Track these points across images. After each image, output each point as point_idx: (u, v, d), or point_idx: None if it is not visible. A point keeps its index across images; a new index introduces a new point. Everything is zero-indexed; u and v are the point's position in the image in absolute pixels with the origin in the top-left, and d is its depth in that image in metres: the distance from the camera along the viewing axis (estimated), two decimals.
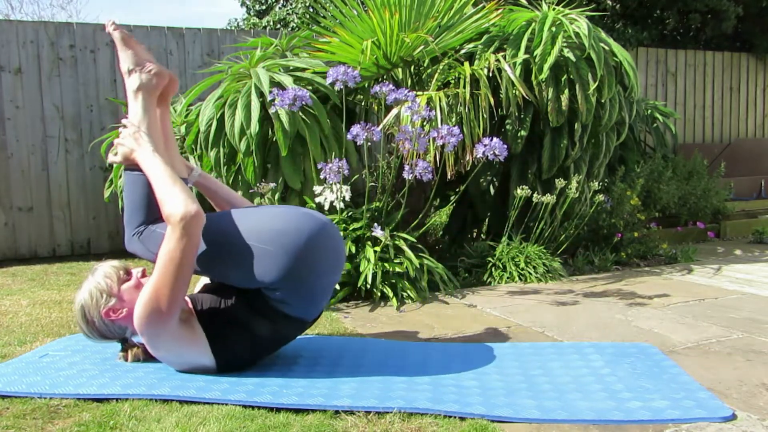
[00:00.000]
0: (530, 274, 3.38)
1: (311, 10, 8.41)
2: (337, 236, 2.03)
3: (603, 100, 3.53)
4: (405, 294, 2.97)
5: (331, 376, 1.91)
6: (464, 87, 3.31)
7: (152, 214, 2.00)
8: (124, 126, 2.04)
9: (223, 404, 1.71)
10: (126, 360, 2.06)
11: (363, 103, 3.81)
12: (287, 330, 1.97)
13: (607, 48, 3.60)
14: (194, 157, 3.78)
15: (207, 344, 1.88)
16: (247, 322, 1.91)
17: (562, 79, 3.49)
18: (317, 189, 3.17)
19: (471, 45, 3.71)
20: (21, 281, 3.85)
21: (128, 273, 1.99)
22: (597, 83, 3.44)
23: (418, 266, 3.02)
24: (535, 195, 3.47)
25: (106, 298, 1.92)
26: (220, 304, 1.92)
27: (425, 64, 3.78)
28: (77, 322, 1.96)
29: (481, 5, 3.70)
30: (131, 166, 2.02)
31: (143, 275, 2.00)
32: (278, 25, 9.87)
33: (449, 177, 3.38)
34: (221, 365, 1.91)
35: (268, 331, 1.93)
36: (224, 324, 1.90)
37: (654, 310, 2.74)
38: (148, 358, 2.03)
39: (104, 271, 1.97)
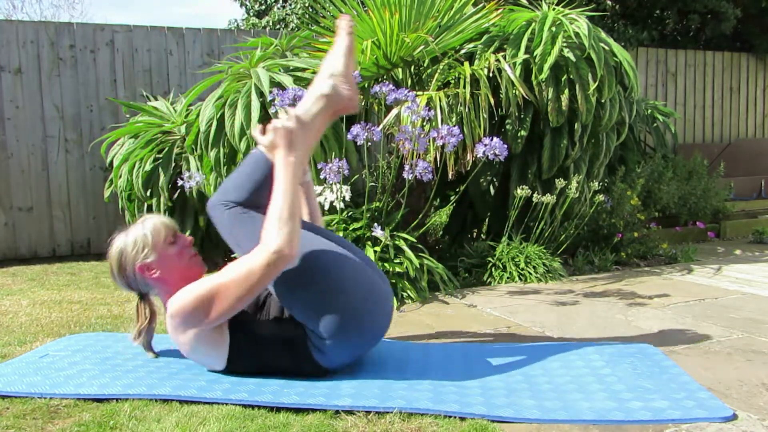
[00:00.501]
0: (530, 274, 3.38)
1: (311, 10, 8.41)
2: (391, 312, 1.98)
3: (603, 100, 3.53)
4: (405, 294, 2.97)
5: (331, 376, 1.91)
6: (464, 87, 3.31)
7: (257, 200, 1.89)
8: (286, 113, 1.90)
9: (223, 404, 1.71)
10: (137, 320, 2.00)
11: (363, 103, 3.81)
12: (304, 368, 1.88)
13: (607, 48, 3.60)
14: (194, 158, 3.78)
15: (227, 353, 1.85)
16: (274, 349, 1.86)
17: (562, 79, 3.49)
18: (317, 189, 3.17)
19: (471, 45, 3.71)
20: (21, 281, 3.85)
21: (175, 236, 1.93)
22: (597, 83, 3.44)
23: (418, 266, 3.02)
24: (535, 195, 3.47)
25: (147, 252, 1.88)
26: (259, 316, 1.87)
27: (425, 64, 3.77)
28: (109, 262, 1.92)
29: (481, 5, 3.70)
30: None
31: (189, 245, 1.95)
32: (278, 25, 9.87)
33: (449, 177, 3.38)
34: (226, 371, 1.90)
35: (287, 365, 1.88)
36: (252, 341, 1.86)
37: (654, 310, 2.74)
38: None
39: (154, 224, 1.91)
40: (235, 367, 1.89)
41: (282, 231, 1.73)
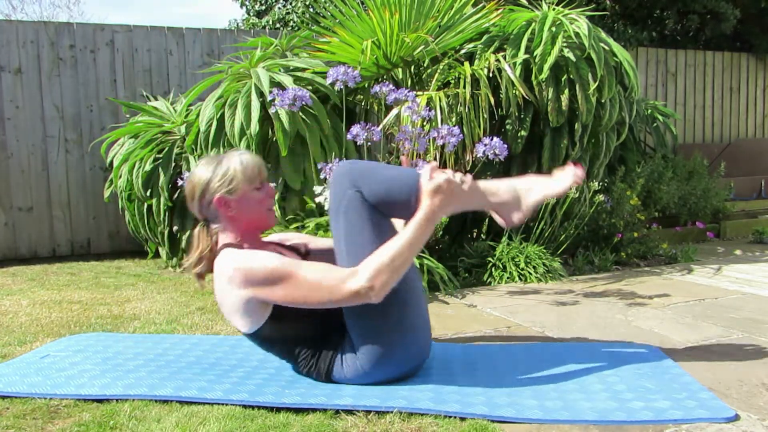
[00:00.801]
0: (530, 274, 3.38)
1: (311, 9, 8.41)
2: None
3: (603, 100, 3.53)
4: None
5: None
6: (464, 87, 3.31)
7: (388, 204, 1.78)
8: (464, 179, 1.80)
9: (223, 404, 1.71)
10: (196, 247, 1.89)
11: (363, 103, 3.81)
12: (317, 368, 1.85)
13: (607, 48, 3.60)
14: (194, 158, 3.78)
15: (259, 325, 1.78)
16: (304, 341, 1.83)
17: (562, 79, 3.49)
18: (317, 189, 3.17)
19: (471, 45, 3.71)
20: (21, 281, 3.85)
21: (262, 183, 1.87)
22: (597, 83, 3.44)
23: (417, 266, 3.02)
24: None
25: (232, 188, 1.81)
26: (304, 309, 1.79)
27: (425, 64, 3.78)
28: (191, 184, 1.84)
29: (481, 5, 3.70)
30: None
31: (272, 196, 1.88)
32: (278, 25, 9.87)
33: None
34: (248, 335, 1.84)
35: (302, 359, 1.84)
36: (289, 328, 1.80)
37: (654, 310, 2.74)
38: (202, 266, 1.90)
39: (248, 164, 1.83)
40: (256, 337, 1.84)
41: (385, 275, 1.67)
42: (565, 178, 1.88)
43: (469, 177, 1.82)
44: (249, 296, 1.74)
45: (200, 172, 1.84)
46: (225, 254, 1.80)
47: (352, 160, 1.85)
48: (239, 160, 1.83)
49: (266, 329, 1.80)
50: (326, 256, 1.98)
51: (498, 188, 1.85)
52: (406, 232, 1.72)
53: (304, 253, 2.00)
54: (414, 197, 1.76)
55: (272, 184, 1.95)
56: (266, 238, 2.04)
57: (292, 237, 2.10)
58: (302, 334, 1.83)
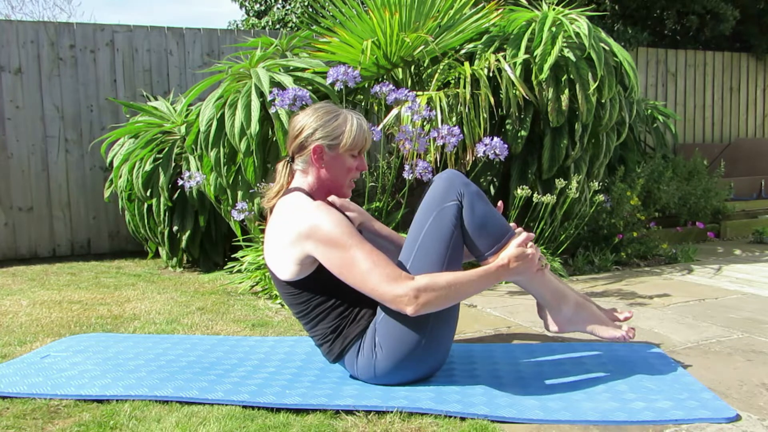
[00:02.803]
0: None
1: (310, 9, 8.41)
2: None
3: (603, 100, 3.53)
4: None
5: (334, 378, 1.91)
6: (464, 87, 3.31)
7: (473, 232, 1.79)
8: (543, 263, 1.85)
9: (223, 404, 1.71)
10: (277, 180, 1.90)
11: (363, 103, 3.81)
12: (330, 347, 1.84)
13: (607, 48, 3.60)
14: (194, 158, 3.78)
15: (300, 276, 1.76)
16: (330, 315, 1.80)
17: (562, 79, 3.49)
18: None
19: (471, 45, 3.71)
20: (21, 281, 3.85)
21: (360, 153, 1.86)
22: (597, 83, 3.44)
23: None
24: (535, 195, 3.46)
25: (334, 144, 1.80)
26: (340, 287, 1.76)
27: (425, 64, 3.77)
28: (301, 119, 1.83)
29: (481, 5, 3.70)
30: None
31: (361, 170, 1.87)
32: (277, 25, 9.86)
33: None
34: (283, 282, 1.82)
35: (321, 331, 1.82)
36: (325, 296, 1.79)
37: (654, 310, 2.74)
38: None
39: (361, 131, 1.82)
40: (289, 287, 1.81)
41: (432, 296, 1.65)
42: (618, 332, 1.90)
43: (548, 267, 1.85)
44: (306, 248, 1.72)
45: (314, 115, 1.84)
46: (297, 197, 1.79)
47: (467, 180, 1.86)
48: (355, 123, 1.83)
49: (302, 284, 1.78)
50: (377, 241, 2.01)
51: (566, 293, 1.87)
52: (474, 272, 1.73)
53: (357, 229, 1.97)
54: (497, 246, 1.79)
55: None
56: (330, 199, 1.99)
57: (354, 208, 2.09)
58: (332, 305, 1.80)
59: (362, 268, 1.67)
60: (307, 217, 1.73)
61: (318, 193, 1.86)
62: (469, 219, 1.78)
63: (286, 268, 1.78)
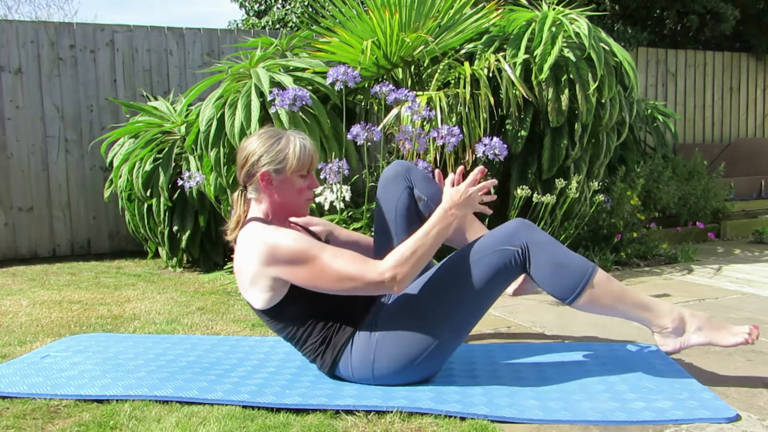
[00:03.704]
0: None
1: (310, 9, 8.41)
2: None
3: (603, 100, 3.53)
4: None
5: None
6: (464, 87, 3.31)
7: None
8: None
9: (223, 404, 1.71)
10: (235, 210, 1.90)
11: (363, 103, 3.81)
12: (321, 358, 1.84)
13: (607, 48, 3.60)
14: (194, 158, 3.78)
15: (275, 301, 1.77)
16: (314, 329, 1.81)
17: (562, 79, 3.49)
18: (317, 189, 3.17)
19: (471, 45, 3.71)
20: (21, 281, 3.85)
21: (309, 172, 1.85)
22: (597, 83, 3.43)
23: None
24: (535, 195, 3.46)
25: (279, 168, 1.80)
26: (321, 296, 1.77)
27: (425, 64, 3.77)
28: (244, 150, 1.83)
29: (481, 5, 3.70)
30: None
31: (313, 187, 1.87)
32: (277, 25, 9.87)
33: None
34: (260, 311, 1.83)
35: (310, 344, 1.83)
36: (304, 312, 1.79)
37: None
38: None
39: (305, 151, 1.82)
40: (267, 314, 1.82)
41: (407, 266, 1.69)
42: (738, 335, 1.81)
43: (618, 285, 1.82)
44: (272, 274, 1.73)
45: (256, 142, 1.83)
46: (252, 227, 1.79)
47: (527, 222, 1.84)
48: (298, 144, 1.82)
49: (279, 308, 1.79)
50: (346, 247, 1.99)
51: (661, 309, 1.82)
52: (426, 228, 1.75)
53: (325, 242, 1.99)
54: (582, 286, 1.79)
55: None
56: (293, 219, 2.01)
57: (317, 222, 2.09)
58: (314, 319, 1.81)
59: (333, 272, 1.69)
60: (263, 243, 1.73)
61: (276, 218, 1.86)
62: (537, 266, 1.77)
63: (259, 298, 1.79)
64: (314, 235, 1.99)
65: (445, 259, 1.85)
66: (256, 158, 1.81)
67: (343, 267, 1.68)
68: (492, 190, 1.95)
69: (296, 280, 1.72)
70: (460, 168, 1.88)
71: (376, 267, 1.69)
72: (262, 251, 1.72)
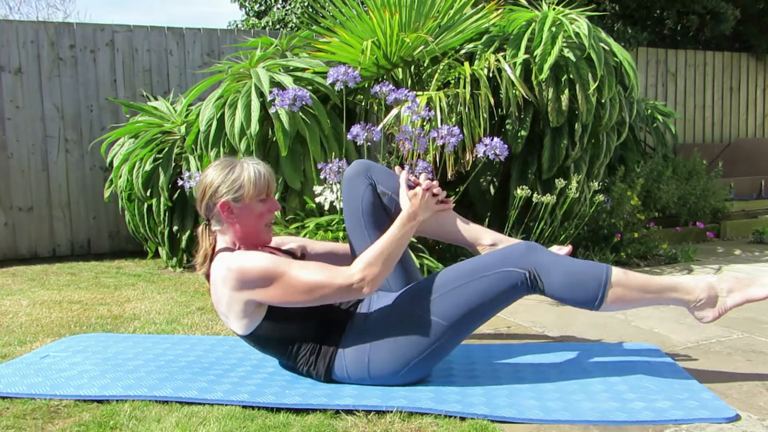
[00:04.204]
0: None
1: (310, 9, 8.41)
2: None
3: (603, 100, 3.53)
4: None
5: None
6: (464, 87, 3.31)
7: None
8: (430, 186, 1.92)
9: (223, 404, 1.71)
10: (201, 244, 1.91)
11: (363, 103, 3.81)
12: (315, 369, 1.85)
13: (607, 48, 3.60)
14: (194, 158, 3.78)
15: (255, 325, 1.79)
16: (302, 342, 1.83)
17: (562, 79, 3.49)
18: (317, 189, 3.17)
19: (471, 45, 3.71)
20: (21, 281, 3.85)
21: (268, 196, 1.88)
22: (597, 83, 3.43)
23: (418, 266, 3.01)
24: (535, 195, 3.46)
25: (237, 197, 1.82)
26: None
27: (425, 64, 3.77)
28: (201, 185, 1.86)
29: (481, 5, 3.70)
30: None
31: (273, 211, 1.89)
32: (277, 26, 9.86)
33: (449, 177, 3.37)
34: (244, 337, 1.85)
35: (301, 359, 1.84)
36: (285, 328, 1.82)
37: (654, 310, 2.74)
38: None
39: (258, 175, 1.84)
40: (252, 339, 1.84)
41: (377, 267, 1.72)
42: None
43: (638, 276, 1.79)
44: (244, 298, 1.75)
45: (212, 173, 1.85)
46: (220, 258, 1.81)
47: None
48: (252, 171, 1.84)
49: (261, 331, 1.81)
50: (323, 259, 2.01)
51: (688, 285, 1.80)
52: (392, 231, 1.80)
53: (300, 257, 2.02)
54: (602, 291, 1.76)
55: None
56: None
57: (289, 241, 2.11)
58: (298, 335, 1.83)
59: (302, 284, 1.71)
60: (228, 269, 1.75)
61: (243, 244, 1.87)
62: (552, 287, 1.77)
63: (240, 324, 1.80)
64: (290, 253, 2.01)
65: (446, 269, 1.85)
66: (213, 190, 1.83)
67: (311, 277, 1.71)
68: (445, 194, 2.02)
69: (268, 300, 1.74)
70: (428, 182, 1.93)
71: (345, 271, 1.72)
72: (229, 277, 1.74)
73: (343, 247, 2.14)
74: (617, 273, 1.76)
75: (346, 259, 1.93)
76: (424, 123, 3.07)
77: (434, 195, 1.93)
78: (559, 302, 1.86)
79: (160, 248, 4.32)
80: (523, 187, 3.45)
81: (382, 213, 1.96)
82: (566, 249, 1.97)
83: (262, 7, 10.82)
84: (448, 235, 2.03)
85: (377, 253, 1.75)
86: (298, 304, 1.74)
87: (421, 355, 1.77)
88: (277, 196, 3.36)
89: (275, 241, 2.08)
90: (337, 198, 3.11)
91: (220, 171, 1.85)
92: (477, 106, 3.34)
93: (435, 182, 1.93)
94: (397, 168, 2.03)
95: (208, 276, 1.88)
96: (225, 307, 1.80)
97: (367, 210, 1.95)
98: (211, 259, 1.86)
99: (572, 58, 3.49)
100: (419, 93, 3.40)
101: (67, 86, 4.85)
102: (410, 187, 1.93)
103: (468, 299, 1.76)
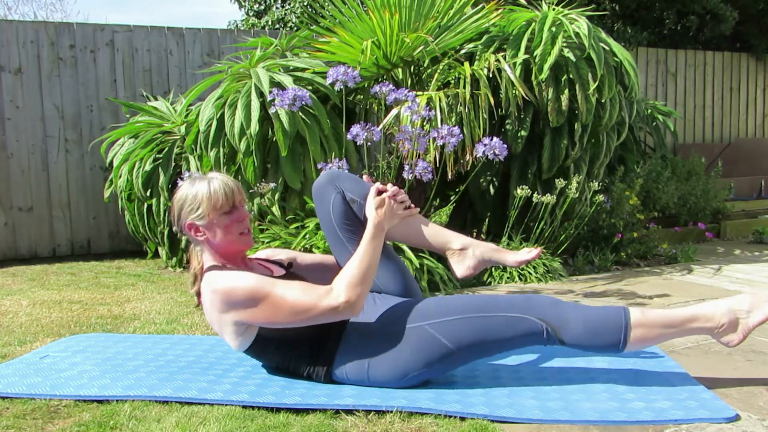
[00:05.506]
0: (530, 274, 3.38)
1: (310, 9, 8.41)
2: None
3: (603, 100, 3.53)
4: None
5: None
6: (464, 87, 3.31)
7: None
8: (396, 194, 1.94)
9: (223, 404, 1.71)
10: (191, 263, 1.92)
11: (363, 103, 3.81)
12: (315, 372, 1.87)
13: (607, 48, 3.60)
14: (194, 158, 3.78)
15: (250, 342, 1.81)
16: (298, 350, 1.84)
17: (562, 79, 3.49)
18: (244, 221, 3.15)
19: (471, 45, 3.71)
20: (21, 281, 3.85)
21: (233, 207, 1.85)
22: (597, 83, 3.43)
23: (418, 266, 3.02)
24: (535, 195, 3.46)
25: (199, 215, 1.82)
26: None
27: (425, 64, 3.77)
28: (172, 202, 1.88)
29: (481, 5, 3.70)
30: None
31: (241, 220, 1.87)
32: (277, 25, 9.87)
33: (449, 177, 3.37)
34: (243, 352, 1.86)
35: (301, 366, 1.86)
36: (280, 342, 1.83)
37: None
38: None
39: (215, 189, 1.83)
40: (249, 353, 1.86)
41: (359, 288, 1.73)
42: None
43: (656, 313, 1.78)
44: (232, 319, 1.77)
45: (177, 196, 1.87)
46: (207, 278, 1.82)
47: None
48: (207, 187, 1.83)
49: (257, 346, 1.82)
50: (311, 272, 2.03)
51: (707, 313, 1.79)
52: (364, 244, 1.82)
53: (287, 267, 2.01)
54: (624, 333, 1.75)
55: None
56: (253, 255, 2.07)
57: (279, 252, 2.12)
58: (295, 347, 1.84)
59: (288, 306, 1.71)
60: (214, 292, 1.76)
61: (228, 258, 1.88)
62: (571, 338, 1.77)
63: (236, 341, 1.82)
64: (278, 263, 2.01)
65: (469, 296, 1.86)
66: (176, 214, 1.86)
67: (297, 299, 1.71)
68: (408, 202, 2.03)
69: (255, 320, 1.75)
70: (394, 189, 1.95)
71: (329, 294, 1.72)
72: (215, 300, 1.75)
73: (331, 258, 2.14)
74: (635, 314, 1.76)
75: (336, 270, 1.93)
76: (424, 123, 3.07)
77: (400, 202, 1.94)
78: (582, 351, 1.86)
79: (159, 248, 4.32)
80: (523, 187, 3.46)
81: (355, 219, 1.97)
82: (535, 252, 1.97)
83: (262, 7, 10.83)
84: (416, 239, 2.04)
85: (355, 272, 1.75)
86: (285, 325, 1.75)
87: (420, 370, 1.77)
88: (276, 196, 3.37)
89: (265, 252, 2.10)
90: None
91: (181, 194, 1.86)
92: (477, 106, 3.34)
93: (401, 189, 1.95)
94: (365, 176, 2.05)
95: (198, 295, 1.89)
96: (217, 327, 1.83)
97: (339, 219, 1.96)
98: (201, 278, 1.87)
99: (572, 58, 3.49)
100: (419, 93, 3.40)
101: (67, 86, 4.85)
102: (378, 192, 1.94)
103: (483, 332, 1.76)
